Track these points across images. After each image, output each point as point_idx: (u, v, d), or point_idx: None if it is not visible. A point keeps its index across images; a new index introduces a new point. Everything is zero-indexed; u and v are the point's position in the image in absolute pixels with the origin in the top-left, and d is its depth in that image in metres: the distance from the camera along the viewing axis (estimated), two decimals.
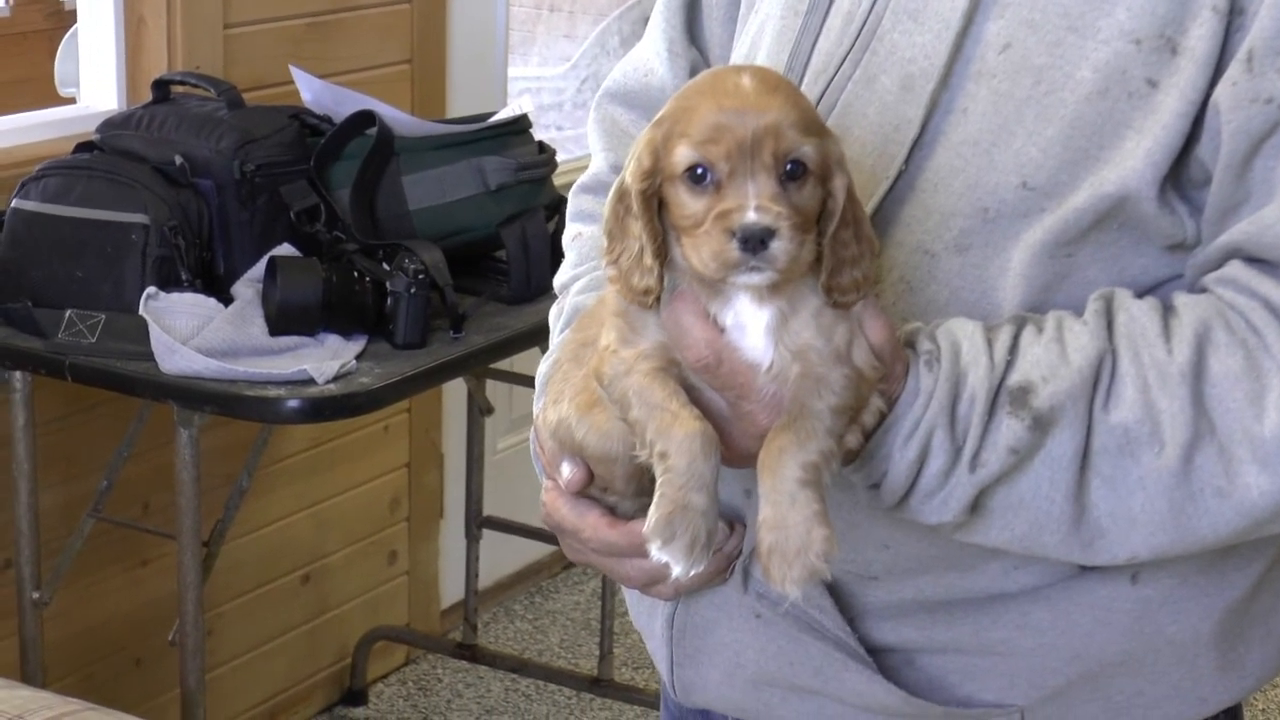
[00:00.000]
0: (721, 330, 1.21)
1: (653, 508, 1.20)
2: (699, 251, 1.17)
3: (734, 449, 1.25)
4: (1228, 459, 1.23)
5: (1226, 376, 1.23)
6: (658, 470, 1.21)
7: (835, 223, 1.20)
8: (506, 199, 2.98)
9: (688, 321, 1.22)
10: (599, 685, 3.66)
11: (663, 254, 1.21)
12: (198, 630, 2.74)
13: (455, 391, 3.79)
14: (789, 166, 1.17)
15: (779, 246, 1.15)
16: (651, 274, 1.21)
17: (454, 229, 2.93)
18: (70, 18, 4.10)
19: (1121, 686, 1.39)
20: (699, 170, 1.17)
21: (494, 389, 3.68)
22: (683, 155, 1.18)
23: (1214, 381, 1.23)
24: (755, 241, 1.15)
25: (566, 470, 1.35)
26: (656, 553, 1.20)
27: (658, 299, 1.22)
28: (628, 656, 3.95)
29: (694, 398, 1.23)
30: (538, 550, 4.20)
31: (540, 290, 2.91)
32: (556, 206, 2.99)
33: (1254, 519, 1.24)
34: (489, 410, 3.60)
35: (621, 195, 1.22)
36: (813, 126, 1.19)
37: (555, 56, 6.26)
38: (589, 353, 1.29)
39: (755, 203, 1.15)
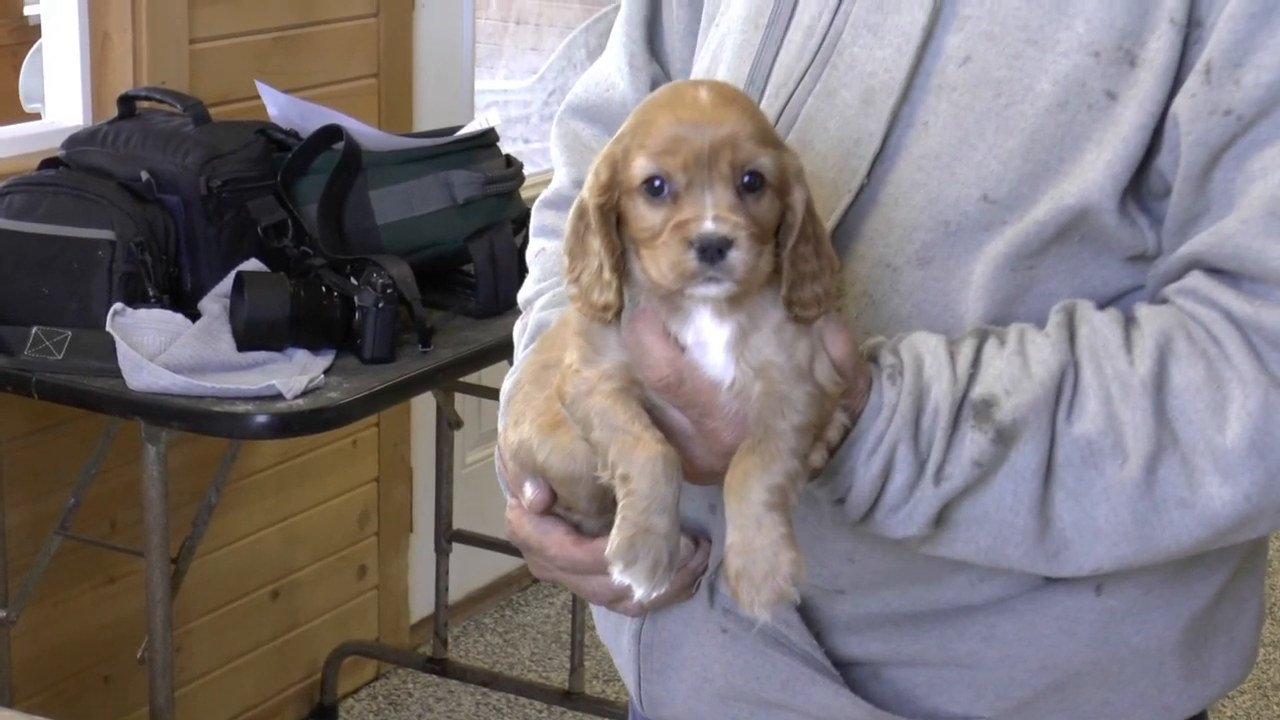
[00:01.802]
0: (682, 348, 1.21)
1: (615, 530, 1.20)
2: (657, 263, 1.17)
3: (698, 467, 1.25)
4: (1190, 470, 1.23)
5: (1188, 387, 1.23)
6: (620, 492, 1.20)
7: (795, 236, 1.20)
8: (474, 213, 2.98)
9: (649, 341, 1.21)
10: (570, 698, 3.66)
11: (621, 268, 1.21)
12: (166, 647, 2.73)
13: (424, 406, 3.79)
14: (746, 178, 1.17)
15: (737, 256, 1.15)
16: (610, 289, 1.20)
17: (422, 243, 2.92)
18: (35, 33, 4.10)
19: (1088, 696, 1.39)
20: (656, 182, 1.17)
21: (463, 403, 3.68)
22: (640, 167, 1.17)
23: (1176, 392, 1.23)
24: (713, 251, 1.14)
25: (529, 491, 1.35)
26: (619, 575, 1.19)
27: (618, 314, 1.21)
28: (598, 669, 3.94)
29: (657, 417, 1.23)
30: (508, 564, 4.19)
31: (508, 304, 2.90)
32: (524, 220, 2.95)
33: (1216, 529, 1.24)
34: (458, 424, 3.59)
35: (581, 213, 1.21)
36: (770, 139, 1.19)
37: (522, 69, 6.25)
38: (550, 375, 1.29)
39: (713, 213, 1.15)
